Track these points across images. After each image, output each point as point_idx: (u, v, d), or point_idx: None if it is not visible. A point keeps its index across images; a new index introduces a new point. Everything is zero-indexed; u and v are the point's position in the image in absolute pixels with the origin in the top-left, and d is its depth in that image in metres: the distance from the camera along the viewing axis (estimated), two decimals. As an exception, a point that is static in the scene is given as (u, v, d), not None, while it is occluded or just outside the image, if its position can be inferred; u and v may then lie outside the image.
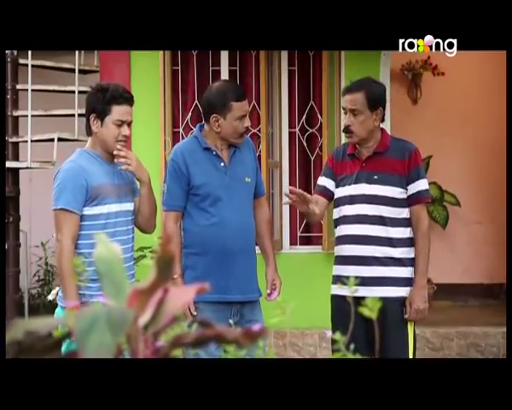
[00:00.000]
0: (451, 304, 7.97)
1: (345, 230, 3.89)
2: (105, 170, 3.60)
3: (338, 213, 3.94)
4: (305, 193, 3.76)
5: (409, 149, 3.88)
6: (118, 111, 3.56)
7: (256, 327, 1.49)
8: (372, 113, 3.83)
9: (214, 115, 3.85)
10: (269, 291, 4.05)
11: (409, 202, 3.84)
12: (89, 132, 3.64)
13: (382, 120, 3.91)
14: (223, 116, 3.84)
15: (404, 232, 3.84)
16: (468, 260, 8.51)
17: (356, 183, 3.86)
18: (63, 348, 1.57)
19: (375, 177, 3.83)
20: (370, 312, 1.54)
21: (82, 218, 3.53)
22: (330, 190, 3.98)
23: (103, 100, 3.54)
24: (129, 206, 3.69)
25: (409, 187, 3.83)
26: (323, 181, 4.01)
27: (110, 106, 3.54)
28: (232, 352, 1.67)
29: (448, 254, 8.50)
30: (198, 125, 4.03)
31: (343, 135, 4.46)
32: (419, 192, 3.84)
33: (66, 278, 3.43)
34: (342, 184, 3.91)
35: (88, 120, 3.61)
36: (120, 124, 3.57)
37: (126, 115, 3.59)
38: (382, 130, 3.94)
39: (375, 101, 3.84)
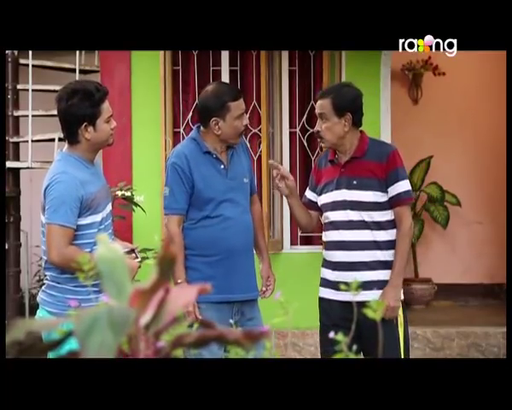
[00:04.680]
0: (452, 304, 7.97)
1: (332, 236, 3.89)
2: (91, 173, 3.51)
3: (324, 219, 3.96)
4: (281, 169, 3.90)
5: (386, 152, 3.82)
6: (106, 109, 3.45)
7: (257, 329, 1.49)
8: (340, 119, 3.79)
9: (214, 119, 3.85)
10: (264, 288, 4.05)
11: (390, 204, 3.81)
12: (74, 141, 3.47)
13: (358, 125, 3.86)
14: (222, 118, 3.84)
15: (391, 234, 3.81)
16: (468, 260, 8.50)
17: (337, 189, 3.85)
18: (61, 350, 1.57)
19: (355, 182, 3.81)
20: (374, 313, 1.54)
21: (76, 228, 3.43)
22: (313, 202, 4.02)
23: (93, 104, 3.41)
24: (110, 206, 3.64)
25: (389, 190, 3.79)
26: (307, 193, 4.07)
27: (99, 107, 3.42)
28: (235, 352, 1.67)
29: (449, 254, 8.51)
30: (195, 127, 4.02)
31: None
32: (398, 194, 3.79)
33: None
34: (325, 190, 3.91)
35: (74, 131, 3.44)
36: (109, 119, 3.48)
37: (110, 108, 3.49)
38: (362, 133, 3.89)
39: (342, 106, 3.78)
